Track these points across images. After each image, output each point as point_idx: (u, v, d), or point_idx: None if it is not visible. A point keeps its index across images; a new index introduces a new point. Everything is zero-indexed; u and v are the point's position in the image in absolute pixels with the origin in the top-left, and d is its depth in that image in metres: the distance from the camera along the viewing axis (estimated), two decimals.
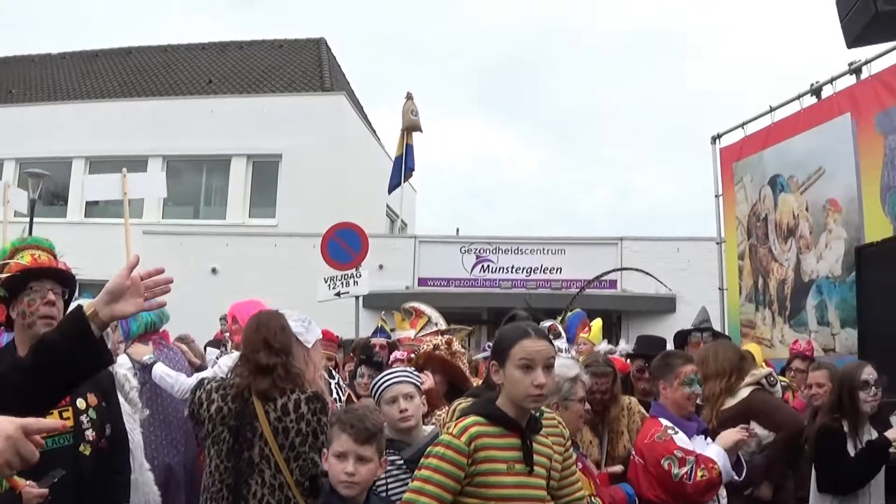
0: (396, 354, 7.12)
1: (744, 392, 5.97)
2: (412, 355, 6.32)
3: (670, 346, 7.98)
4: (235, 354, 5.34)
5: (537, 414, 3.45)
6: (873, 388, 5.45)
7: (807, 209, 9.38)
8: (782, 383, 6.80)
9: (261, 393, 4.14)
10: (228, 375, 4.40)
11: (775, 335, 9.90)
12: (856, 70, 8.53)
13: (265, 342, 4.25)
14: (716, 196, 11.31)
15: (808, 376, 6.70)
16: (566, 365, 4.74)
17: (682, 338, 8.32)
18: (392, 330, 10.51)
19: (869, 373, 5.49)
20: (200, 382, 4.39)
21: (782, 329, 9.78)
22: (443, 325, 8.27)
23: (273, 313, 4.48)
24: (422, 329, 8.21)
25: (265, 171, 26.02)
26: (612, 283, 20.64)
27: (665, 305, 19.96)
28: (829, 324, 8.97)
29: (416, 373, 4.80)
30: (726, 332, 10.19)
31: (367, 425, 3.70)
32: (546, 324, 7.75)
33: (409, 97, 23.32)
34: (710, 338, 7.88)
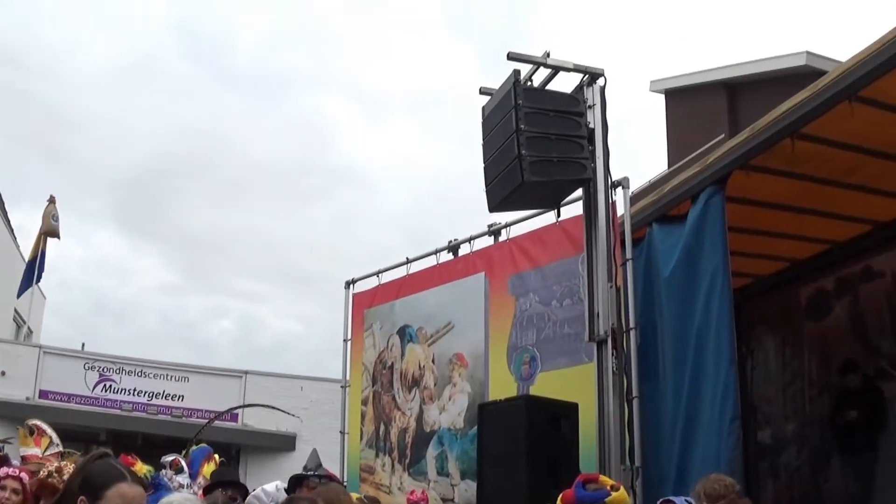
0: (6, 469, 6.46)
1: None
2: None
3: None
4: None
5: None
6: None
7: (433, 361, 9.66)
8: None
9: None
10: None
11: (394, 482, 9.98)
12: (494, 232, 9.01)
13: None
14: (344, 340, 11.39)
15: None
16: (189, 500, 4.51)
17: (297, 481, 8.22)
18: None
19: None
20: None
21: (402, 476, 9.89)
22: (62, 447, 7.70)
23: None
24: (46, 448, 7.59)
25: None
26: (234, 417, 20.33)
27: (285, 443, 19.99)
28: (449, 474, 9.16)
29: None
30: (345, 476, 10.20)
31: None
32: (168, 458, 7.37)
33: (52, 201, 22.57)
34: (326, 481, 7.83)
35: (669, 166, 16.36)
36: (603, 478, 5.05)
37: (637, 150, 43.58)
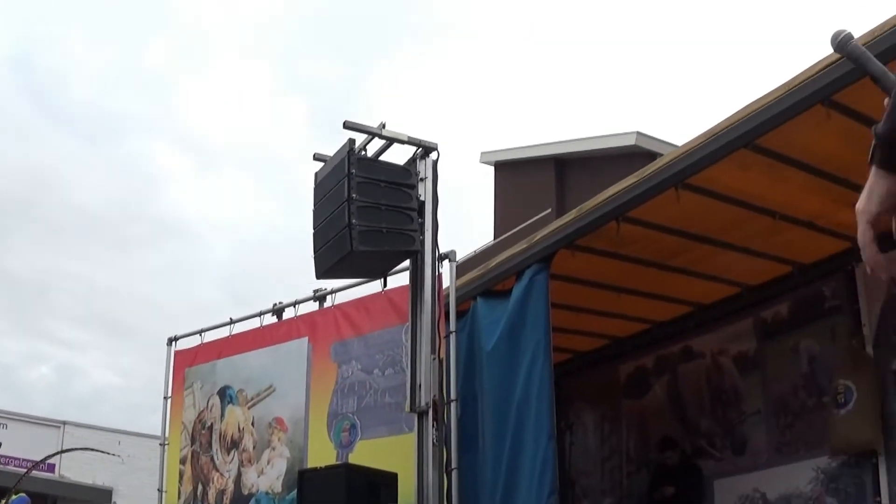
0: None
1: None
2: None
3: None
4: None
5: None
6: None
7: (253, 424, 9.49)
8: None
9: None
10: None
11: None
12: (320, 298, 8.97)
13: None
14: (165, 397, 11.07)
15: None
16: None
17: None
18: None
19: None
20: None
21: None
22: None
23: None
24: None
25: None
26: (51, 467, 19.57)
27: (101, 497, 19.38)
28: None
29: None
30: None
31: None
32: None
33: None
34: None
35: (496, 238, 16.57)
36: None
37: (466, 219, 44.43)
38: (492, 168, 17.90)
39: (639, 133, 14.89)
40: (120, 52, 57.36)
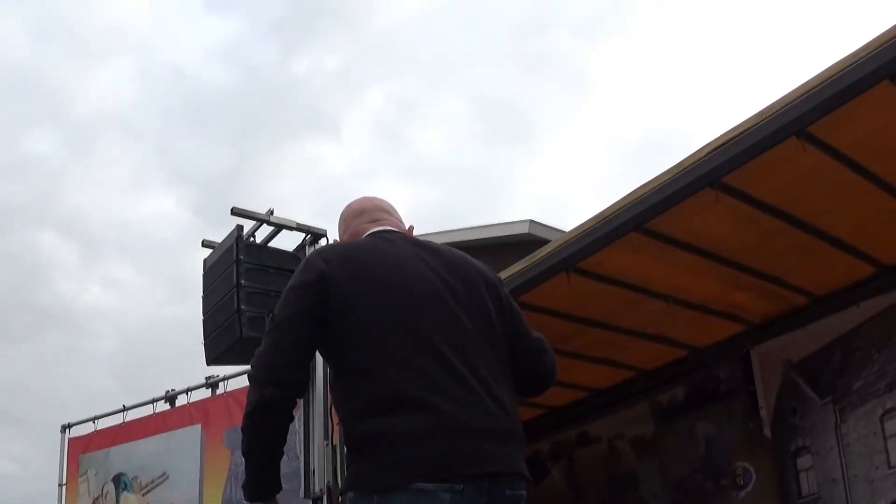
0: None
1: None
2: None
3: None
4: None
5: None
6: None
7: None
8: None
9: None
10: None
11: None
12: (212, 384, 8.87)
13: None
14: (60, 484, 10.87)
15: None
16: None
17: None
18: None
19: None
20: None
21: None
22: None
23: None
24: None
25: None
26: None
27: None
28: None
29: None
30: None
31: None
32: None
33: None
34: None
35: None
36: None
37: None
38: None
39: (532, 221, 14.98)
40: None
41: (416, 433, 2.65)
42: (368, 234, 3.26)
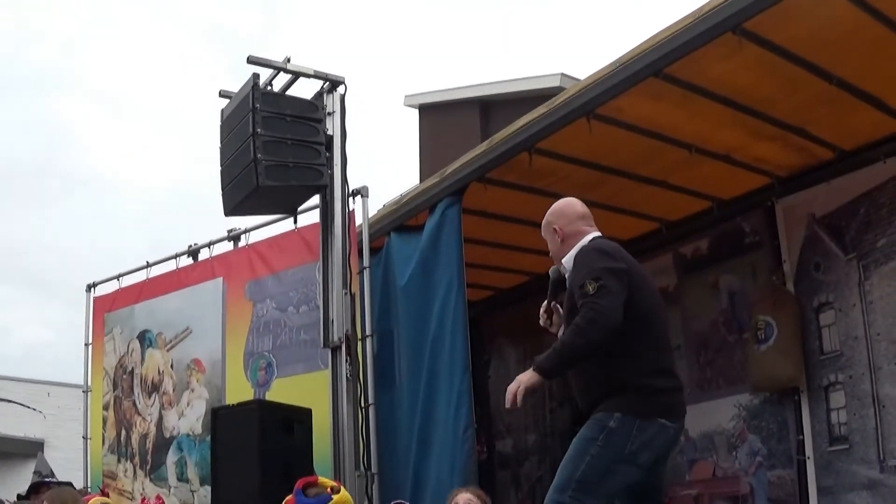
0: None
1: None
2: None
3: None
4: None
5: None
6: None
7: (172, 367, 9.41)
8: None
9: None
10: None
11: (136, 488, 9.69)
12: (234, 237, 8.85)
13: None
14: (86, 345, 10.94)
15: None
16: None
17: (34, 488, 8.09)
18: None
19: None
20: None
21: (143, 482, 9.62)
22: None
23: None
24: None
25: None
26: None
27: (33, 449, 19.07)
28: (188, 480, 8.99)
29: None
30: (89, 482, 9.97)
31: None
32: None
33: None
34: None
35: (421, 181, 16.28)
36: (322, 479, 5.00)
37: (392, 163, 44.20)
38: (416, 111, 17.55)
39: (563, 74, 14.59)
40: (26, 7, 55.79)
41: (667, 389, 4.23)
42: (602, 237, 4.57)
